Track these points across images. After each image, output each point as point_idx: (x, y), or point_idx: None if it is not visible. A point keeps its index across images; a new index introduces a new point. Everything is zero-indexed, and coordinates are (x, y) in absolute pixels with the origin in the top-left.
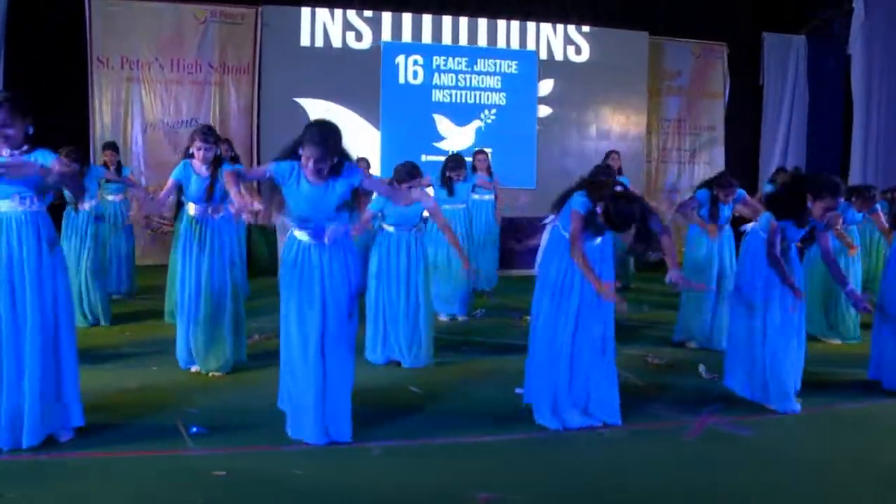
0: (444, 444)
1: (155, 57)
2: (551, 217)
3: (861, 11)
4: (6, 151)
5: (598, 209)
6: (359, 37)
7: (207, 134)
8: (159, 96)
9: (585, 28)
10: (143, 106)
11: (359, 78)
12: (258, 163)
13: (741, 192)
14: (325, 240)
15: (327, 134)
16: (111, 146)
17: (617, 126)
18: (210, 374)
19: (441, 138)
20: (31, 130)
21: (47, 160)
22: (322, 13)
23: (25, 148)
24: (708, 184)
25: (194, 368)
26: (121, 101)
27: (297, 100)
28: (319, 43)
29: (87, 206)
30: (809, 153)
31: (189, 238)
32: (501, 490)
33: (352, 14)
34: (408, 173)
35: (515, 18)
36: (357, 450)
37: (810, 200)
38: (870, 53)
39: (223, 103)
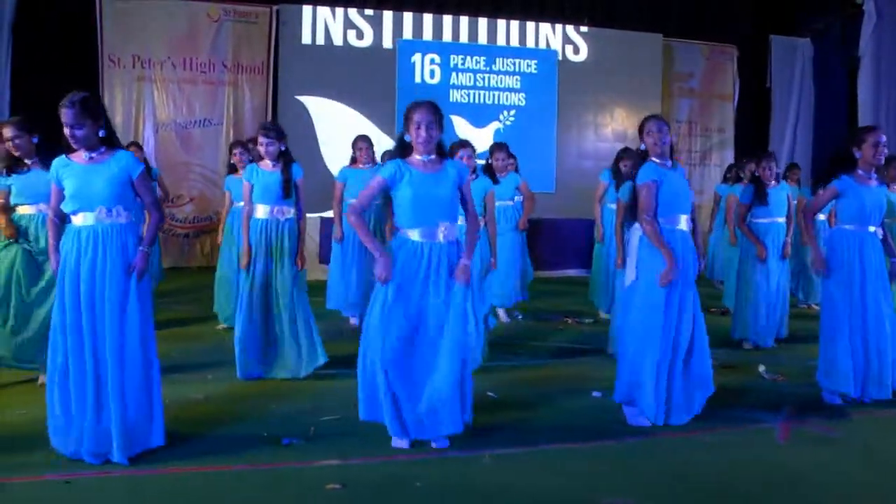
0: (552, 449)
1: (167, 56)
2: (635, 225)
3: (873, 14)
4: (84, 154)
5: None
6: (376, 36)
7: (269, 129)
8: (171, 96)
9: (599, 30)
10: (154, 106)
11: (374, 77)
12: None
13: None
14: (440, 237)
15: (428, 100)
16: (135, 145)
17: (633, 128)
18: (280, 380)
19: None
20: (102, 133)
21: (129, 164)
22: (336, 12)
23: (103, 150)
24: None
25: (257, 376)
26: (132, 100)
27: (310, 99)
28: (337, 41)
29: None
30: (815, 154)
31: (258, 242)
32: (624, 494)
33: (369, 13)
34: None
35: (529, 19)
36: (469, 459)
37: (857, 151)
38: (879, 55)
39: (237, 104)
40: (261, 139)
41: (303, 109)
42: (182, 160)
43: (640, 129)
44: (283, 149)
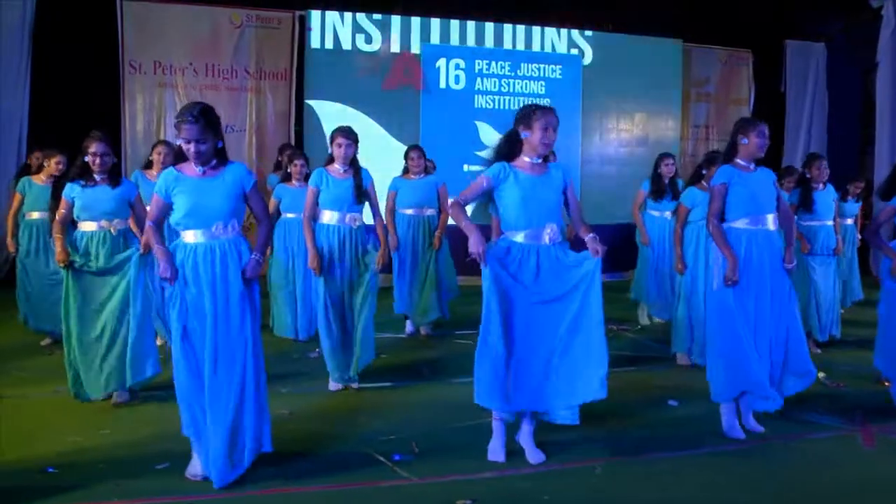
0: (658, 459)
1: (189, 62)
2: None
3: (891, 19)
4: (198, 168)
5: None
6: (403, 40)
7: (349, 131)
8: (193, 101)
9: (621, 35)
10: (176, 112)
11: (398, 82)
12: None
13: None
14: (546, 239)
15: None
16: (164, 144)
17: (655, 133)
18: (359, 391)
19: (483, 146)
20: (220, 144)
21: (243, 176)
22: (358, 17)
23: (214, 163)
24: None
25: (337, 386)
26: (153, 107)
27: (333, 105)
28: (361, 46)
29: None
30: (829, 157)
31: (331, 249)
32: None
33: (395, 19)
34: None
35: (553, 25)
36: (579, 470)
37: None
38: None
39: (260, 110)
40: (339, 139)
41: (326, 115)
42: None
43: (742, 129)
44: (356, 154)
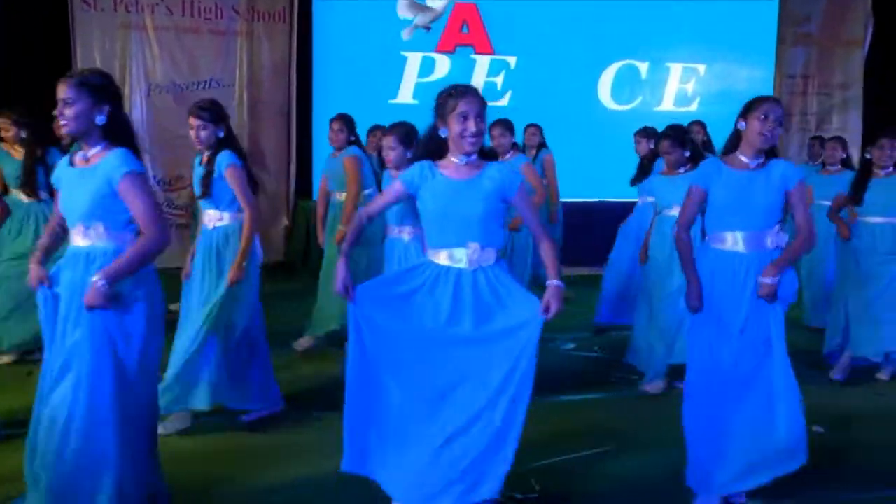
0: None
1: None
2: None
3: None
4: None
5: None
6: None
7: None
8: (167, 49)
9: None
10: (145, 62)
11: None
12: (299, 141)
13: None
14: (465, 262)
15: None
16: None
17: (741, 83)
18: None
19: None
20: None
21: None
22: None
23: (99, 149)
24: None
25: None
26: (114, 54)
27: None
28: None
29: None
30: None
31: None
32: None
33: None
34: None
35: None
36: None
37: None
38: None
39: (253, 59)
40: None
41: (342, 67)
42: (181, 132)
43: (744, 109)
44: None
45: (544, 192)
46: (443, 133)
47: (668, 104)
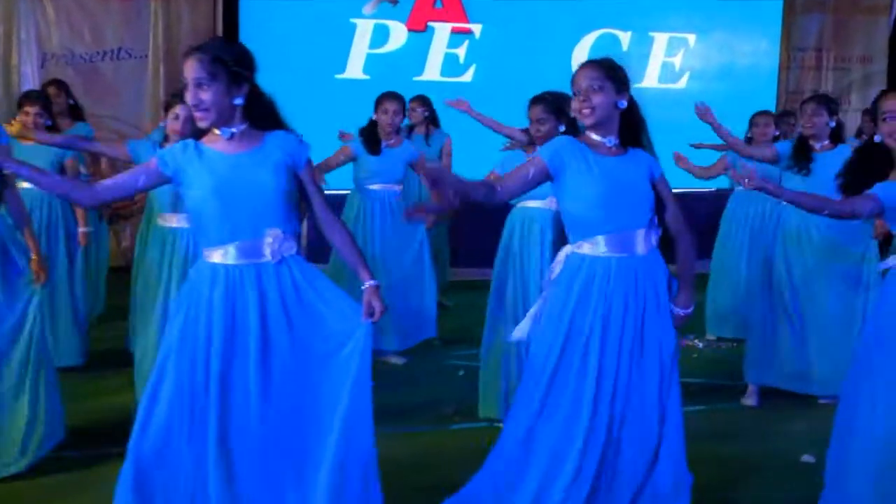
0: None
1: None
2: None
3: None
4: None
5: None
6: None
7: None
8: (65, 14)
9: None
10: (38, 28)
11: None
12: None
13: None
14: (267, 253)
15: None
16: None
17: (740, 57)
18: None
19: None
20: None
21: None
22: None
23: None
24: None
25: None
26: (1, 19)
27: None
28: None
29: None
30: None
31: None
32: None
33: None
34: None
35: None
36: None
37: None
38: None
39: (171, 26)
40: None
41: (278, 36)
42: (86, 110)
43: None
44: None
45: None
46: None
47: (651, 80)
